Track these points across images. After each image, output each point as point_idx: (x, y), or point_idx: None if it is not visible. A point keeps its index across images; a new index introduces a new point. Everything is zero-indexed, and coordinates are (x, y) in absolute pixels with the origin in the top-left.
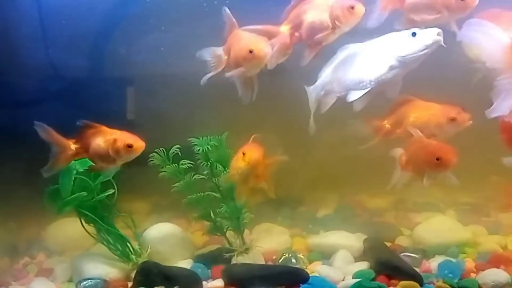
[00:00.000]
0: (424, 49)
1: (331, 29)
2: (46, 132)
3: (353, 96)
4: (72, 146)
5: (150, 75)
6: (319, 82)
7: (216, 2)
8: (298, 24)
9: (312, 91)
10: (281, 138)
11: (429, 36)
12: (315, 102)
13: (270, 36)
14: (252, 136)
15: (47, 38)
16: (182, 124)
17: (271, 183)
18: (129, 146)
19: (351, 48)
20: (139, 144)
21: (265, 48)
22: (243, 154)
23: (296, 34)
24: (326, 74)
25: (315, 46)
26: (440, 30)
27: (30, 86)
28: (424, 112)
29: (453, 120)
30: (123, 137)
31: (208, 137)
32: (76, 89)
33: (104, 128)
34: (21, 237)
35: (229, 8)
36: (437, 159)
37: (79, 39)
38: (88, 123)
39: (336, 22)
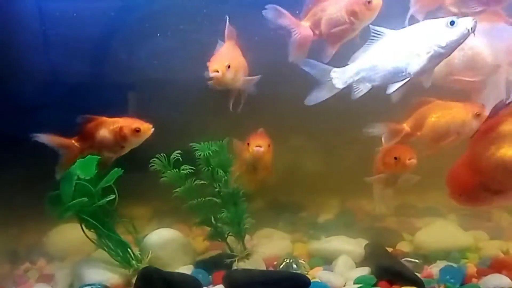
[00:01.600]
0: (462, 38)
1: (349, 24)
2: (47, 138)
3: (393, 87)
4: (76, 143)
5: (151, 80)
6: (352, 67)
7: (217, 8)
8: (317, 22)
9: (341, 74)
10: (283, 143)
11: (466, 24)
12: (341, 85)
13: (293, 26)
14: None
15: (47, 44)
16: (183, 129)
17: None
18: (137, 130)
19: (387, 34)
20: (145, 126)
21: (221, 71)
22: (248, 144)
23: (316, 31)
24: (361, 60)
25: (336, 42)
26: (475, 20)
27: (30, 92)
28: (446, 112)
29: (478, 115)
30: (128, 123)
31: (210, 142)
32: (77, 95)
33: (104, 118)
34: (22, 242)
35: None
36: (395, 158)
37: (79, 44)
38: (88, 117)
39: (352, 18)
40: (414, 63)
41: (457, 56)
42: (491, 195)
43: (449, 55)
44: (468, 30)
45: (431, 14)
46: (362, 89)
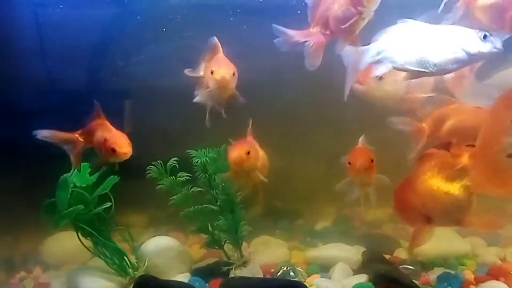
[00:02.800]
0: (488, 55)
1: (358, 14)
2: (50, 135)
3: (412, 74)
4: (80, 138)
5: (147, 87)
6: (374, 46)
7: (214, 16)
8: (326, 22)
9: (365, 52)
10: (279, 150)
11: (496, 44)
12: (365, 64)
13: (304, 38)
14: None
15: (44, 50)
16: (180, 136)
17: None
18: (113, 150)
19: (416, 24)
20: (122, 151)
21: (225, 73)
22: (248, 153)
23: (327, 32)
24: (384, 40)
25: (349, 36)
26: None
27: (27, 99)
28: (466, 116)
29: None
30: (112, 139)
31: (207, 149)
32: (74, 101)
33: (105, 123)
34: (18, 251)
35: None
36: (349, 163)
37: (76, 51)
38: (97, 112)
39: (359, 7)
40: (440, 58)
41: None
42: (423, 218)
43: (465, 66)
44: (496, 49)
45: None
46: (383, 69)
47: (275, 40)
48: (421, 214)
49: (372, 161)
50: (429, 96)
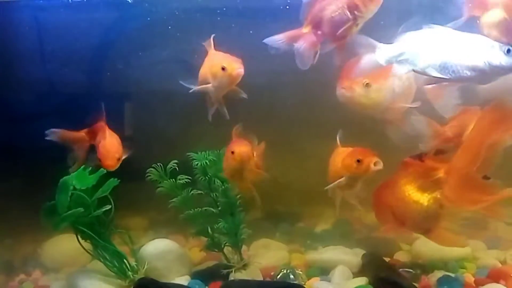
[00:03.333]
0: (508, 69)
1: (353, 20)
2: (60, 134)
3: (430, 80)
4: (86, 136)
5: (147, 90)
6: (397, 46)
7: (219, 18)
8: (319, 23)
9: (383, 50)
10: (278, 153)
11: None
12: (383, 62)
13: (294, 40)
14: (234, 129)
15: (44, 53)
16: (180, 139)
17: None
18: (99, 160)
19: (442, 30)
20: (107, 163)
21: (239, 68)
22: (232, 153)
23: (319, 32)
24: (408, 42)
25: (339, 40)
26: None
27: (27, 102)
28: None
29: None
30: (101, 149)
31: (207, 151)
32: (73, 104)
33: (104, 128)
34: (17, 253)
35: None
36: (358, 161)
37: (76, 54)
38: (101, 114)
39: (356, 13)
40: (459, 65)
41: (396, 85)
42: (397, 221)
43: (484, 79)
44: None
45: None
46: (402, 70)
47: (270, 50)
48: (394, 216)
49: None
50: (412, 107)
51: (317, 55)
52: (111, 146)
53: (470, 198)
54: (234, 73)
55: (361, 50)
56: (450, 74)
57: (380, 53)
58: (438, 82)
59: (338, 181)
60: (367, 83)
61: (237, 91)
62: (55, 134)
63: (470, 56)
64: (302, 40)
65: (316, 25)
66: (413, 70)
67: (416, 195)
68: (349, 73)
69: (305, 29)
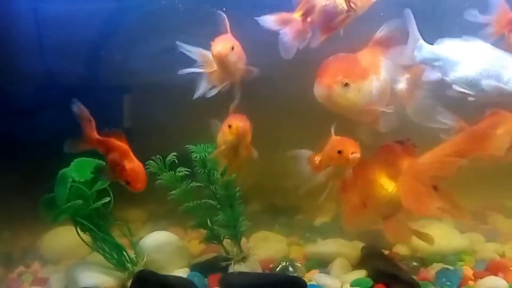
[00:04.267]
0: None
1: (347, 12)
2: (82, 112)
3: (455, 89)
4: (97, 136)
5: (147, 82)
6: (436, 50)
7: (214, 9)
8: (310, 9)
9: (423, 50)
10: (279, 146)
11: None
12: (418, 59)
13: (284, 24)
14: (231, 106)
15: (43, 45)
16: (179, 131)
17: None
18: (127, 183)
19: (479, 44)
20: (138, 186)
21: (224, 50)
22: (229, 126)
23: (308, 19)
24: (447, 50)
25: (329, 31)
26: None
27: (25, 94)
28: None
29: None
30: (134, 171)
31: (206, 144)
32: (73, 97)
33: (127, 149)
34: (16, 246)
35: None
36: (339, 152)
37: (75, 46)
38: (120, 134)
39: (352, 5)
40: (490, 84)
41: (374, 87)
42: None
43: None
44: None
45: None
46: (431, 75)
47: (257, 18)
48: (359, 197)
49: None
50: (386, 110)
51: (305, 43)
52: (140, 168)
53: (416, 200)
54: (215, 53)
55: (397, 36)
56: (477, 92)
57: (420, 49)
58: (465, 96)
59: (325, 170)
60: (346, 83)
61: (249, 71)
62: (78, 109)
63: (504, 79)
64: (289, 27)
65: (308, 12)
66: (442, 79)
67: (384, 180)
68: (329, 71)
69: (296, 15)
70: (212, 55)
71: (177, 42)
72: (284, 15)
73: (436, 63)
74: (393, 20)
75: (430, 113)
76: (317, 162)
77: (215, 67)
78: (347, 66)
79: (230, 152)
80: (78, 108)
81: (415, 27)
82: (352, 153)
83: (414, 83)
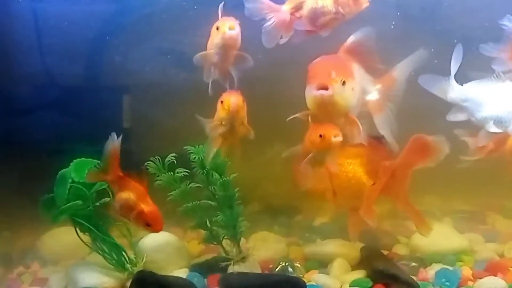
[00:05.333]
0: None
1: (334, 13)
2: (114, 147)
3: (492, 129)
4: (117, 177)
5: (146, 83)
6: (465, 91)
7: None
8: (300, 5)
9: (454, 89)
10: (278, 145)
11: None
12: (448, 97)
13: (271, 12)
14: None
15: (42, 46)
16: (178, 132)
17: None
18: (148, 225)
19: (507, 82)
20: (156, 228)
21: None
22: (221, 102)
23: (297, 15)
24: (475, 91)
25: (314, 30)
26: None
27: (25, 95)
28: None
29: None
30: (149, 215)
31: (204, 145)
32: (72, 97)
33: (145, 193)
34: (16, 246)
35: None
36: (320, 136)
37: (74, 47)
38: (142, 177)
39: (341, 9)
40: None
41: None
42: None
43: None
44: None
45: None
46: (459, 116)
47: (245, 11)
48: (331, 184)
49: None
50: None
51: (289, 36)
52: (157, 211)
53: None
54: (227, 34)
55: (433, 89)
56: (503, 128)
57: (451, 89)
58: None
59: (307, 157)
60: (343, 81)
61: (242, 57)
62: (112, 140)
63: None
64: (275, 17)
65: (297, 6)
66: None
67: (352, 170)
68: (324, 70)
69: (285, 7)
70: (220, 33)
71: None
72: (272, 4)
73: (464, 104)
74: (365, 28)
75: (395, 126)
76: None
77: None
78: (339, 64)
79: (226, 129)
80: (113, 141)
81: (458, 64)
82: (334, 136)
83: (385, 95)
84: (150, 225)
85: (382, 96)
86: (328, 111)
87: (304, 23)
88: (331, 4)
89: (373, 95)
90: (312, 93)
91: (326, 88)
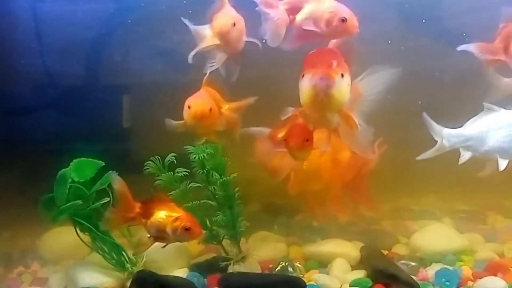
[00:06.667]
0: None
1: (320, 33)
2: (120, 185)
3: (502, 164)
4: (137, 207)
5: (145, 82)
6: (463, 132)
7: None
8: (295, 8)
9: (451, 136)
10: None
11: None
12: (448, 146)
13: (270, 7)
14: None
15: (42, 45)
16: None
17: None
18: (186, 229)
19: (502, 112)
20: (196, 230)
21: (225, 27)
22: (189, 107)
23: (291, 16)
24: (472, 128)
25: (300, 40)
26: None
27: (25, 94)
28: None
29: None
30: (185, 219)
31: (204, 144)
32: (72, 97)
33: (172, 204)
34: (15, 246)
35: None
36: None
37: (74, 46)
38: (160, 195)
39: (326, 28)
40: None
41: None
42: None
43: None
44: None
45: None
46: (466, 156)
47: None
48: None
49: (307, 140)
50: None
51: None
52: (190, 214)
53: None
54: (216, 29)
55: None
56: (509, 157)
57: (448, 137)
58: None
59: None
60: (342, 74)
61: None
62: (117, 180)
63: None
64: (276, 14)
65: (292, 9)
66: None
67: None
68: (323, 61)
69: (282, 5)
70: (213, 31)
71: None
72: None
73: (467, 144)
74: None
75: (358, 136)
76: (279, 138)
77: (216, 41)
78: (338, 57)
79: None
80: (116, 179)
81: (433, 124)
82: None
83: (353, 103)
84: (189, 229)
85: (350, 104)
86: (323, 105)
87: (295, 28)
88: (323, 20)
89: None
90: (311, 82)
91: (326, 78)
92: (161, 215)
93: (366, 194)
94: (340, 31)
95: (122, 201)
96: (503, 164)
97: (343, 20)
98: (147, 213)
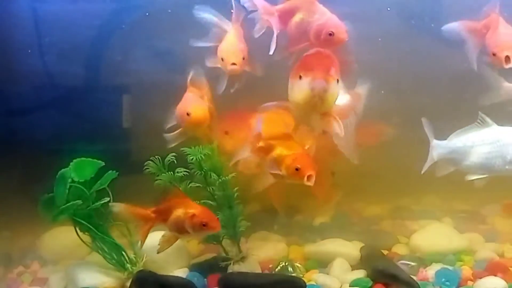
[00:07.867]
0: None
1: (309, 43)
2: (124, 209)
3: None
4: (152, 214)
5: (146, 83)
6: (449, 144)
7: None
8: (287, 14)
9: (438, 147)
10: None
11: None
12: (435, 157)
13: (265, 14)
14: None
15: (42, 45)
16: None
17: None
18: (204, 225)
19: (490, 126)
20: (213, 225)
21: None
22: (188, 114)
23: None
24: (458, 142)
25: (290, 46)
26: None
27: (25, 94)
28: None
29: None
30: (201, 215)
31: (201, 146)
32: (71, 97)
33: (187, 200)
34: (15, 246)
35: None
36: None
37: (74, 46)
38: (175, 191)
39: (313, 40)
40: (501, 166)
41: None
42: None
43: None
44: None
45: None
46: (447, 168)
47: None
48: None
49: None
50: None
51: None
52: (207, 209)
53: None
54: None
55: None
56: (492, 173)
57: (435, 148)
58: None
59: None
60: (337, 79)
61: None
62: (118, 208)
63: (507, 158)
64: (268, 18)
65: (283, 16)
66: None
67: (288, 146)
68: (322, 65)
69: (276, 7)
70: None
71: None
72: (266, 5)
73: (450, 156)
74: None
75: (348, 140)
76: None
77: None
78: (335, 62)
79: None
80: (117, 207)
81: (428, 134)
82: (309, 176)
83: (351, 106)
84: (206, 224)
85: (349, 106)
86: (316, 107)
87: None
88: (312, 31)
89: (342, 101)
90: (310, 85)
91: (325, 84)
92: (178, 213)
93: (325, 189)
94: (328, 44)
95: (135, 218)
96: (472, 176)
97: (330, 34)
98: (164, 215)
